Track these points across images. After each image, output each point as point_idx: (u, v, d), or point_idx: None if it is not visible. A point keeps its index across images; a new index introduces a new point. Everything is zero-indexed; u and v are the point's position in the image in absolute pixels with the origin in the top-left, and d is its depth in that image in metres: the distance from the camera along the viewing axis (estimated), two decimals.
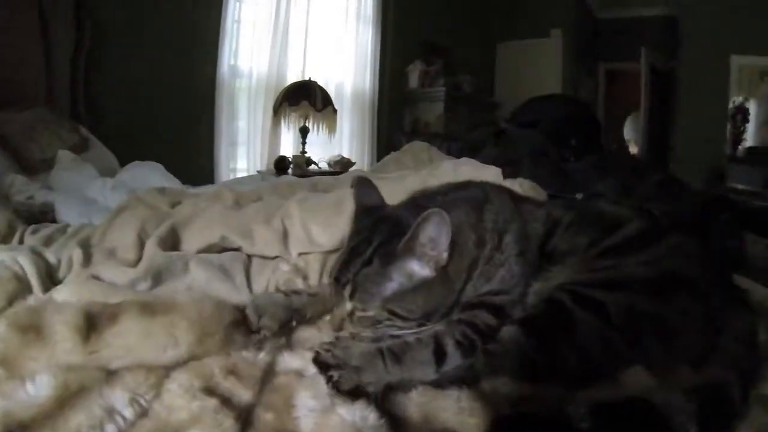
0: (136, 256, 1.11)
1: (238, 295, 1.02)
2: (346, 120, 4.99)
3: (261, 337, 0.90)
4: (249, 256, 1.17)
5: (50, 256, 1.14)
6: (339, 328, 0.93)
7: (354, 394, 0.75)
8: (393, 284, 0.87)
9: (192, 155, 3.87)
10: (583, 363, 0.80)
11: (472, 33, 6.43)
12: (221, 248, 1.18)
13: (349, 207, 1.18)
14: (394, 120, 5.49)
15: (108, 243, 1.18)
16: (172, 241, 1.14)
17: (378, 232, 0.92)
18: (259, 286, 1.08)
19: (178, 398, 0.69)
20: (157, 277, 1.02)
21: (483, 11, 6.50)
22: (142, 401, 0.71)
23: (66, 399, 0.72)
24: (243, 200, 1.39)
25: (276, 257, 1.18)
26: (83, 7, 3.42)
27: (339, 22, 5.03)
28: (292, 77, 4.58)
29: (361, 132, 5.13)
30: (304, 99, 4.15)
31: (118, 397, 0.71)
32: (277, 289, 1.07)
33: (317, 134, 4.32)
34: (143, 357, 0.76)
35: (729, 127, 6.23)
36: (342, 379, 0.78)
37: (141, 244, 1.13)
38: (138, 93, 3.65)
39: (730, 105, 6.26)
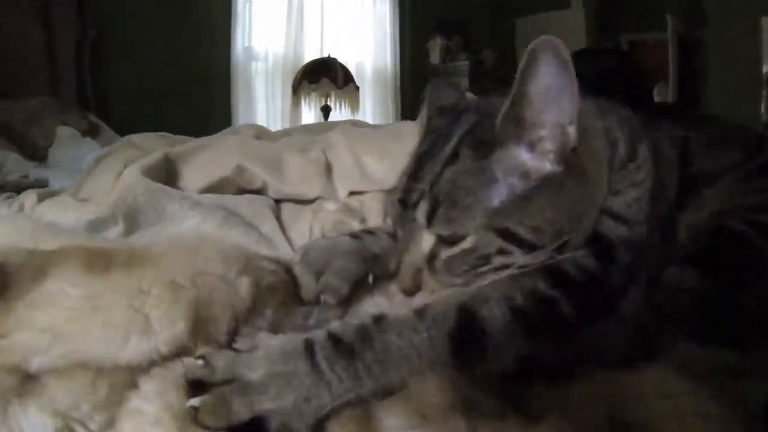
0: None
1: (268, 248, 0.62)
2: (368, 99, 4.62)
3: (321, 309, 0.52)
4: (277, 202, 0.79)
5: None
6: (413, 286, 0.56)
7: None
8: (499, 188, 0.54)
9: None
10: None
11: (490, 8, 6.05)
12: (238, 189, 0.79)
13: (410, 134, 0.80)
14: (417, 97, 5.09)
15: (83, 194, 0.80)
16: (165, 177, 0.74)
17: (461, 123, 0.61)
18: (296, 236, 0.69)
19: (152, 427, 0.31)
20: (133, 219, 0.61)
21: None
22: None
23: None
24: (266, 137, 1.00)
25: (315, 200, 0.79)
26: None
27: None
28: (310, 58, 4.21)
29: (384, 110, 4.75)
30: (325, 76, 3.78)
31: (36, 423, 0.33)
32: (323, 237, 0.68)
33: (340, 113, 3.93)
34: (87, 349, 0.38)
35: (764, 93, 5.76)
36: (206, 408, 0.39)
37: None
38: (148, 80, 3.38)
39: (765, 69, 5.79)
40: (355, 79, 4.08)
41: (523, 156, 0.55)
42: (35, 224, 0.54)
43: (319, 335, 0.45)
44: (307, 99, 3.87)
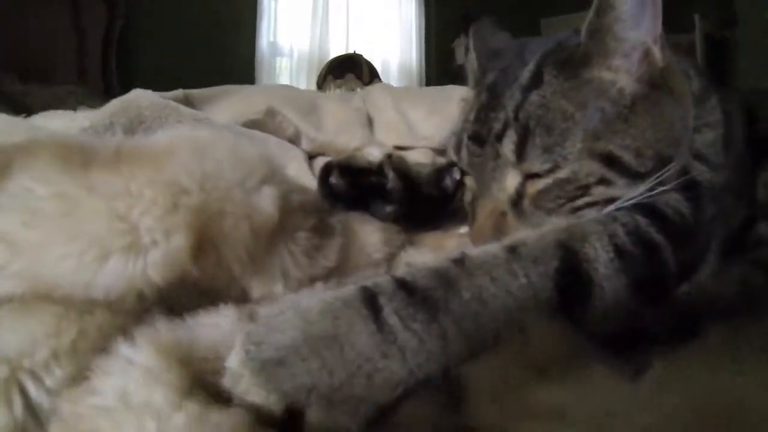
0: None
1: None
2: None
3: None
4: (310, 158, 0.67)
5: None
6: (497, 234, 0.44)
7: None
8: (594, 109, 0.47)
9: None
10: None
11: (515, 8, 5.92)
12: None
13: (458, 95, 0.69)
14: None
15: None
16: None
17: (530, 52, 0.54)
18: None
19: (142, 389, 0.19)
20: (135, 132, 0.49)
21: None
22: (33, 392, 0.20)
23: None
24: None
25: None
26: None
27: None
28: (335, 55, 4.12)
29: None
30: (350, 72, 3.67)
31: None
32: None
33: None
34: (50, 269, 0.25)
35: None
36: None
37: None
38: (173, 73, 3.27)
39: None
40: (381, 76, 3.98)
41: (611, 75, 0.49)
42: (8, 120, 0.42)
43: (383, 282, 0.32)
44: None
